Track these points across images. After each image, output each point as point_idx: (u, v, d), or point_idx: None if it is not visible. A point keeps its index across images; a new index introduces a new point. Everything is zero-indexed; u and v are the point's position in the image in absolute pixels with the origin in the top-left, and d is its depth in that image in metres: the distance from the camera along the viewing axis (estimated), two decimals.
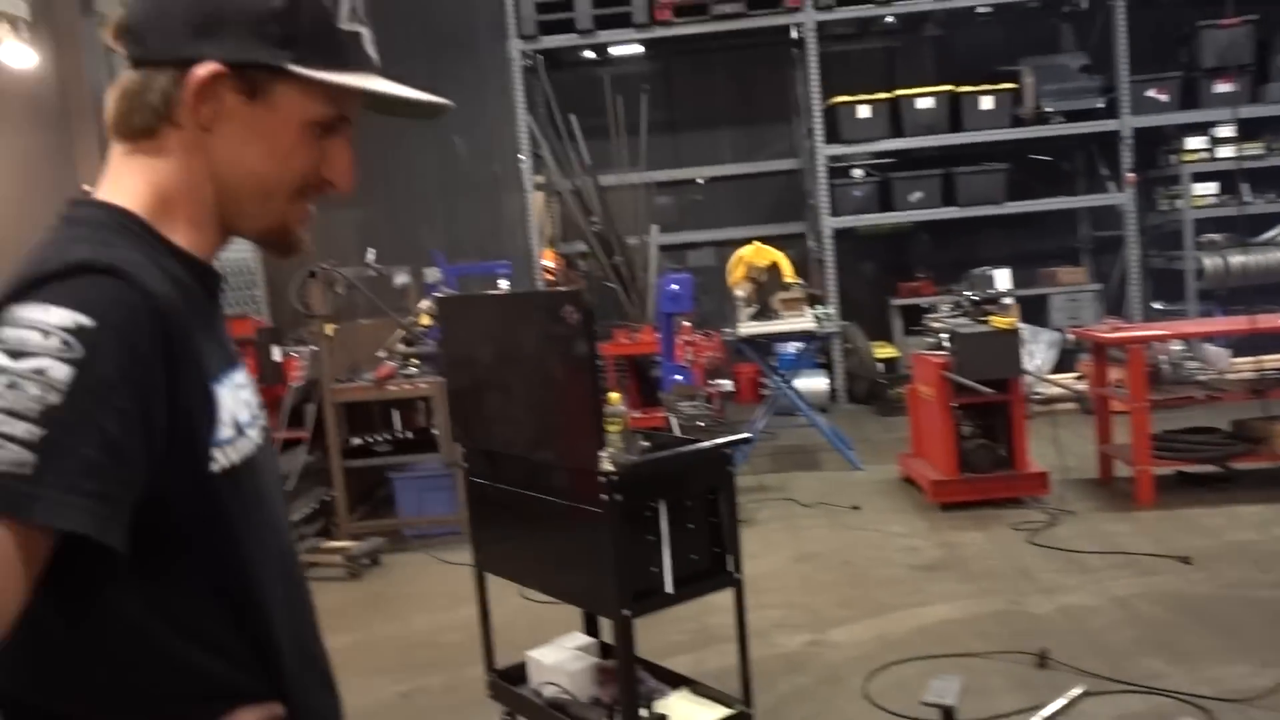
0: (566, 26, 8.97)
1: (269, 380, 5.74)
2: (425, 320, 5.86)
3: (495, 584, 3.44)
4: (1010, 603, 4.35)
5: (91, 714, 0.95)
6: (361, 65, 1.04)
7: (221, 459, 0.97)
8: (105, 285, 0.87)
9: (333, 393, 5.67)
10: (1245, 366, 5.99)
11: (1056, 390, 7.61)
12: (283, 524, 1.12)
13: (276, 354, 5.99)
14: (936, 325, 5.98)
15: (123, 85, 1.01)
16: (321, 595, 1.38)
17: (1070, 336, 7.80)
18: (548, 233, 9.78)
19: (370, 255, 6.12)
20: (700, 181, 10.25)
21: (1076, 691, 3.40)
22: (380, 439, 5.80)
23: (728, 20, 8.92)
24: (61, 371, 0.81)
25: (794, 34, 9.30)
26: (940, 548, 5.13)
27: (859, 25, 9.67)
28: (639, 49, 9.84)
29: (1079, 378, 7.89)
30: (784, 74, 9.94)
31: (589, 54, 9.88)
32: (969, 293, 5.94)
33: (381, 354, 5.85)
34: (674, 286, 6.27)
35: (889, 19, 9.48)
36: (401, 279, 6.56)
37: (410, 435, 5.88)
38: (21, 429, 0.78)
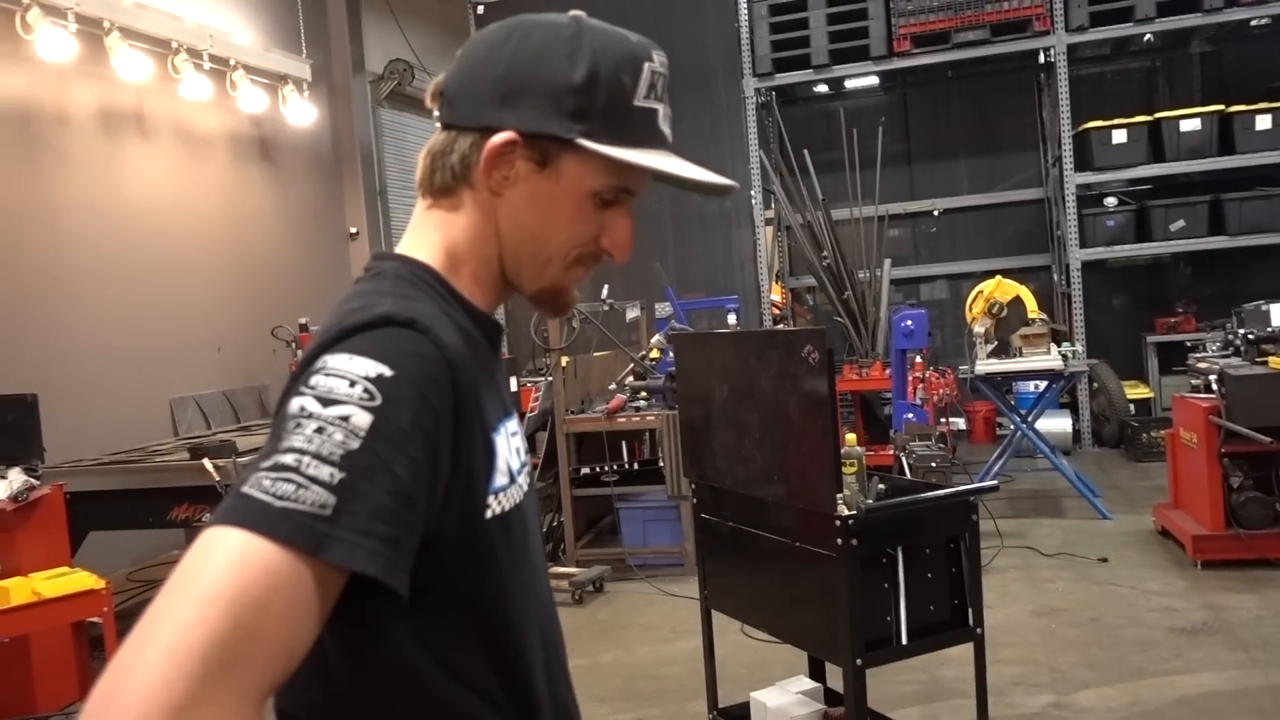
0: (802, 63, 8.94)
1: None
2: (655, 354, 5.97)
3: (717, 618, 3.42)
4: None
5: None
6: (652, 141, 1.05)
7: (495, 506, 1.00)
8: (404, 338, 0.92)
9: (565, 423, 5.87)
10: None
11: None
12: (542, 569, 1.15)
13: (513, 384, 6.28)
14: (1203, 365, 5.51)
15: (431, 145, 1.08)
16: None
17: None
18: (775, 267, 9.76)
19: (604, 291, 6.32)
20: (936, 213, 9.94)
21: None
22: (608, 469, 5.95)
23: (971, 48, 8.61)
24: (363, 419, 0.85)
25: (1041, 58, 8.87)
26: (1204, 610, 4.67)
27: (1114, 46, 9.11)
28: (874, 81, 9.69)
29: None
30: (1027, 100, 9.50)
31: (822, 88, 9.83)
32: (1242, 329, 5.43)
33: (612, 386, 6.01)
34: (908, 323, 6.10)
35: (1148, 37, 8.87)
36: (633, 313, 6.72)
37: (636, 466, 5.99)
38: (326, 472, 0.83)
